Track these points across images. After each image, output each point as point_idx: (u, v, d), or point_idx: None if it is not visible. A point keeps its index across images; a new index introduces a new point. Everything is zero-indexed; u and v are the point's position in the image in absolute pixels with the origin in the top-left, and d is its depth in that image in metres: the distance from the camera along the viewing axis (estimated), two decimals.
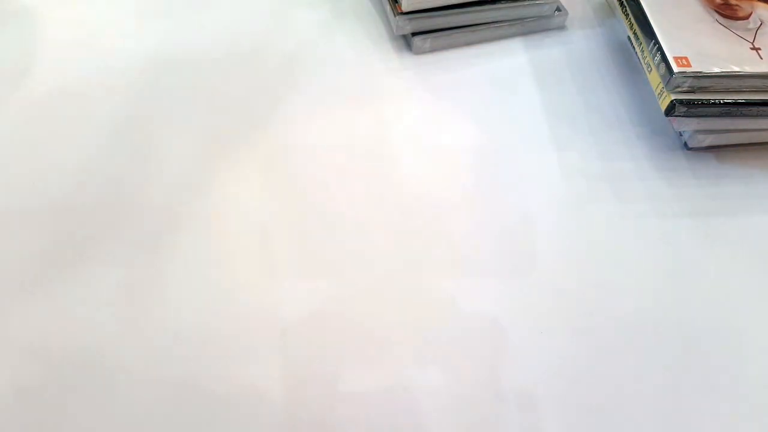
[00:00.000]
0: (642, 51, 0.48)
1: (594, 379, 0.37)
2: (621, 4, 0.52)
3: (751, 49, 0.46)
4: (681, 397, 0.37)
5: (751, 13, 0.49)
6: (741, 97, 0.45)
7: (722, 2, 0.49)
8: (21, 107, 0.48)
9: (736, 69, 0.44)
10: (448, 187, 0.45)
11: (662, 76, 0.45)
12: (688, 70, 0.44)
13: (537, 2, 0.55)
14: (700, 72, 0.44)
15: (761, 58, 0.45)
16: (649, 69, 0.47)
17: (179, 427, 0.34)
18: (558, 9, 0.57)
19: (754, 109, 0.45)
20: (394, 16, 0.53)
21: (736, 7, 0.49)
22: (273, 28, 0.56)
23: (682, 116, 0.45)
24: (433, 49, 0.55)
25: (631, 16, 0.50)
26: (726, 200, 0.47)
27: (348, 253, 0.41)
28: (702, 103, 0.45)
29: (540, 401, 0.36)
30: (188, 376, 0.35)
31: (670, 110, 0.45)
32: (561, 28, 0.59)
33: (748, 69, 0.44)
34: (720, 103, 0.45)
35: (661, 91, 0.46)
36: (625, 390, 0.37)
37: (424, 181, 0.45)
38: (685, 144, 0.50)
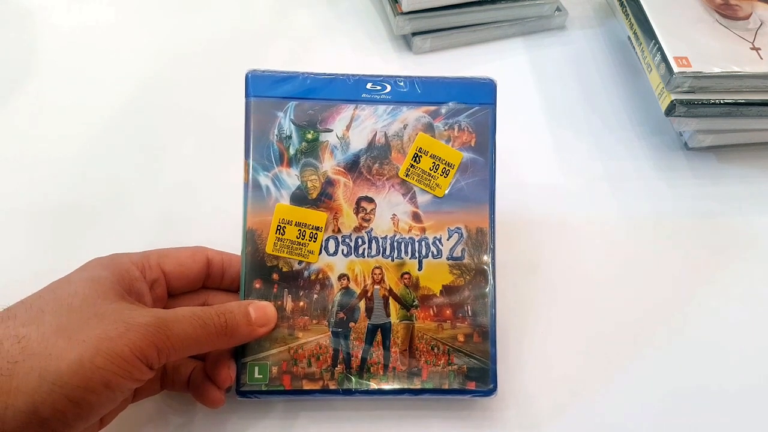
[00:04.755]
0: (642, 51, 0.48)
1: (592, 381, 0.37)
2: (621, 4, 0.52)
3: (751, 49, 0.46)
4: (681, 396, 0.37)
5: (751, 13, 0.49)
6: (741, 97, 0.45)
7: (722, 2, 0.49)
8: (21, 107, 0.48)
9: (737, 69, 0.44)
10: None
11: (662, 76, 0.45)
12: (688, 70, 0.44)
13: (537, 2, 0.55)
14: (700, 72, 0.44)
15: (761, 58, 0.45)
16: (649, 69, 0.47)
17: None
18: (558, 9, 0.57)
19: (754, 109, 0.45)
20: (394, 16, 0.53)
21: (736, 7, 0.49)
22: (273, 29, 0.56)
23: (682, 116, 0.45)
24: (433, 49, 0.55)
25: (631, 16, 0.50)
26: (726, 200, 0.47)
27: None
28: (702, 103, 0.45)
29: (538, 403, 0.36)
30: None
31: (670, 110, 0.45)
32: (561, 28, 0.59)
33: (748, 69, 0.44)
34: (720, 103, 0.45)
35: (661, 91, 0.46)
36: (625, 390, 0.37)
37: None
38: (686, 144, 0.50)
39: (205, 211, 0.43)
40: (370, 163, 0.35)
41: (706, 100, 0.45)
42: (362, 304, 0.34)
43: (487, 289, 0.34)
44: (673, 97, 0.45)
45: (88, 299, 0.27)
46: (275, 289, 0.33)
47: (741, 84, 0.45)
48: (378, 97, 0.35)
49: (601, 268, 0.42)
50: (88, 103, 0.49)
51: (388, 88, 0.35)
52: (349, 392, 0.33)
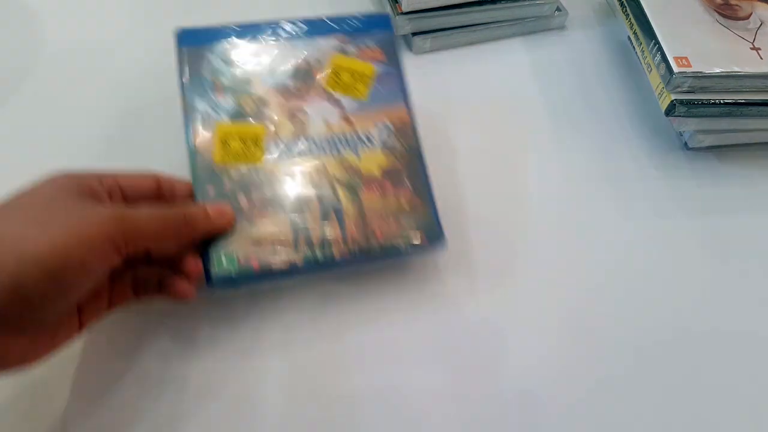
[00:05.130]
0: (642, 51, 0.48)
1: (593, 380, 0.37)
2: (621, 4, 0.52)
3: (751, 49, 0.46)
4: (680, 396, 0.37)
5: (751, 13, 0.49)
6: (741, 97, 0.45)
7: (722, 2, 0.49)
8: (20, 107, 0.48)
9: (737, 69, 0.44)
10: (447, 186, 0.45)
11: (662, 76, 0.45)
12: (688, 70, 0.44)
13: (537, 2, 0.55)
14: (700, 72, 0.44)
15: (761, 58, 0.45)
16: (649, 69, 0.47)
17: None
18: (558, 9, 0.57)
19: (754, 109, 0.45)
20: (394, 16, 0.53)
21: (736, 7, 0.49)
22: None
23: (682, 116, 0.45)
24: (433, 49, 0.55)
25: (631, 16, 0.50)
26: (726, 200, 0.47)
27: None
28: (702, 103, 0.45)
29: (539, 403, 0.36)
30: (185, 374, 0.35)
31: (670, 110, 0.45)
32: (561, 28, 0.59)
33: (749, 69, 0.44)
34: (720, 103, 0.45)
35: (661, 91, 0.46)
36: (624, 389, 0.37)
37: None
38: (686, 144, 0.50)
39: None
40: (297, 84, 0.40)
41: (706, 100, 0.45)
42: (313, 193, 0.37)
43: (420, 165, 0.39)
44: (673, 97, 0.45)
45: (53, 198, 0.29)
46: (228, 191, 0.36)
47: (741, 84, 0.45)
48: (295, 33, 0.42)
49: (601, 267, 0.42)
50: (88, 100, 0.49)
51: (304, 27, 0.42)
52: (315, 265, 0.35)
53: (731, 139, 0.49)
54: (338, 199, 0.37)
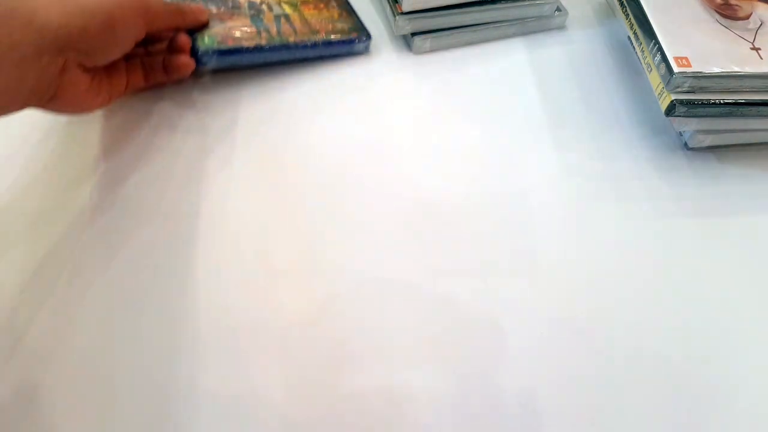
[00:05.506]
0: (642, 51, 0.48)
1: (593, 380, 0.37)
2: (621, 4, 0.52)
3: (751, 49, 0.46)
4: (680, 397, 0.37)
5: (751, 13, 0.49)
6: (741, 97, 0.45)
7: (722, 2, 0.49)
8: None
9: (737, 69, 0.44)
10: (449, 187, 0.45)
11: (662, 76, 0.45)
12: (688, 70, 0.44)
13: (537, 2, 0.55)
14: (700, 72, 0.44)
15: (761, 58, 0.45)
16: (649, 69, 0.47)
17: (178, 427, 0.34)
18: (558, 9, 0.57)
19: (755, 109, 0.45)
20: (394, 16, 0.53)
21: (736, 7, 0.49)
22: None
23: (683, 116, 0.45)
24: (433, 49, 0.55)
25: (631, 16, 0.50)
26: (726, 200, 0.47)
27: (347, 253, 0.41)
28: (702, 103, 0.45)
29: (540, 403, 0.36)
30: (186, 376, 0.35)
31: (670, 110, 0.45)
32: (561, 28, 0.59)
33: (749, 69, 0.44)
34: (720, 103, 0.45)
35: (661, 91, 0.46)
36: (624, 390, 0.37)
37: (424, 181, 0.45)
38: (686, 144, 0.50)
39: None
40: None
41: (706, 100, 0.45)
42: (264, 6, 0.50)
43: None
44: (673, 97, 0.45)
45: None
46: (202, 5, 0.47)
47: (741, 84, 0.45)
48: None
49: (601, 267, 0.42)
50: None
51: None
52: (276, 47, 0.48)
53: (731, 139, 0.49)
54: (284, 10, 0.50)
